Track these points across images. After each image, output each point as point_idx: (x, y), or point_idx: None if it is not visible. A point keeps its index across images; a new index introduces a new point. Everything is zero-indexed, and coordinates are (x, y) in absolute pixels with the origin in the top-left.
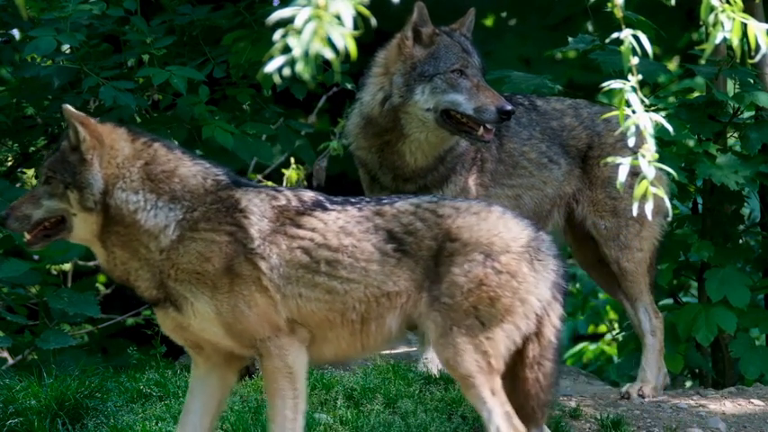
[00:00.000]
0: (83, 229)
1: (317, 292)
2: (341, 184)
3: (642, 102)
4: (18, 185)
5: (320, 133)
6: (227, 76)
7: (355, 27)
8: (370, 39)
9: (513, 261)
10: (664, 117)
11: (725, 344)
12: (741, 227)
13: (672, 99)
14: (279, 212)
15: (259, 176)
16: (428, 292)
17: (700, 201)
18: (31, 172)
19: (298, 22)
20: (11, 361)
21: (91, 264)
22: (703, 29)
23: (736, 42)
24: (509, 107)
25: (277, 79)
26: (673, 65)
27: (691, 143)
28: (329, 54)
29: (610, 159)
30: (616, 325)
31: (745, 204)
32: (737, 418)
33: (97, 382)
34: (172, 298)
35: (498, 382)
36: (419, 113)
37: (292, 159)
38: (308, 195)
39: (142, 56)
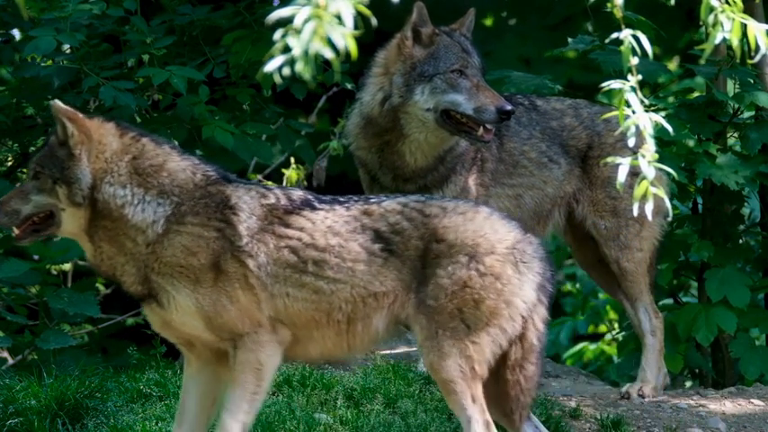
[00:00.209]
0: (71, 223)
1: (304, 292)
2: (341, 184)
3: (642, 102)
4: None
5: (320, 133)
6: (227, 76)
7: (355, 27)
8: (370, 39)
9: (497, 263)
10: (664, 117)
11: (725, 344)
12: (741, 227)
13: (672, 99)
14: (268, 211)
15: (259, 176)
16: (415, 294)
17: (700, 201)
18: None
19: (297, 22)
20: (11, 361)
21: None
22: (703, 29)
23: (735, 43)
24: (509, 107)
25: (277, 79)
26: (673, 65)
27: (691, 143)
28: (329, 54)
29: (610, 159)
30: (616, 325)
31: (745, 204)
32: (737, 418)
33: (97, 382)
34: (153, 292)
35: (480, 389)
36: (419, 113)
37: (292, 159)
38: (298, 194)
39: (142, 56)
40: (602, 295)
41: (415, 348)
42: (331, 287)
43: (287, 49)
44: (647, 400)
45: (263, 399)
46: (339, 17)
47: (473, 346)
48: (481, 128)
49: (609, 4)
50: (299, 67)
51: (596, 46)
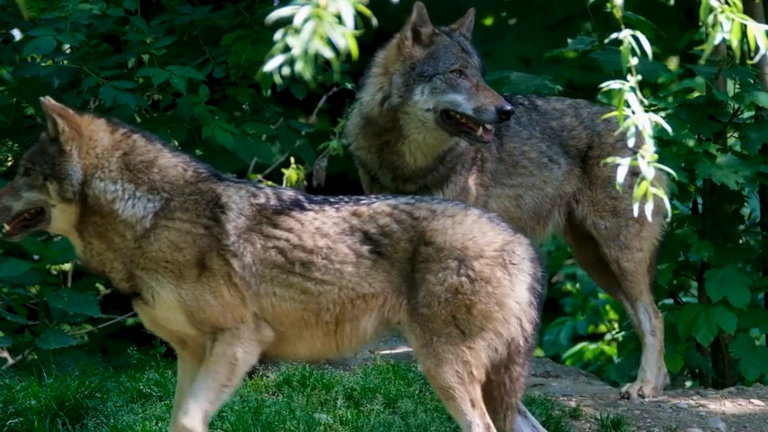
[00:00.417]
0: (61, 219)
1: (292, 292)
2: (341, 184)
3: (641, 102)
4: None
5: (320, 133)
6: (227, 76)
7: (355, 27)
8: (371, 39)
9: (486, 267)
10: (664, 117)
11: (725, 344)
12: (741, 227)
13: (672, 99)
14: (257, 210)
15: (259, 176)
16: (407, 300)
17: (700, 201)
18: None
19: (297, 22)
20: (11, 361)
21: None
22: (703, 29)
23: (735, 43)
24: (508, 107)
25: (277, 79)
26: (673, 65)
27: (691, 143)
28: (329, 53)
29: (609, 160)
30: (616, 325)
31: (745, 204)
32: (737, 418)
33: (97, 382)
34: (138, 288)
35: (478, 393)
36: (418, 114)
37: (292, 159)
38: (288, 194)
39: (142, 56)
40: (602, 295)
41: None
42: (319, 288)
43: (287, 49)
44: (647, 400)
45: (230, 393)
46: (339, 17)
47: (469, 351)
48: (480, 128)
49: (608, 5)
50: (299, 66)
51: (596, 46)
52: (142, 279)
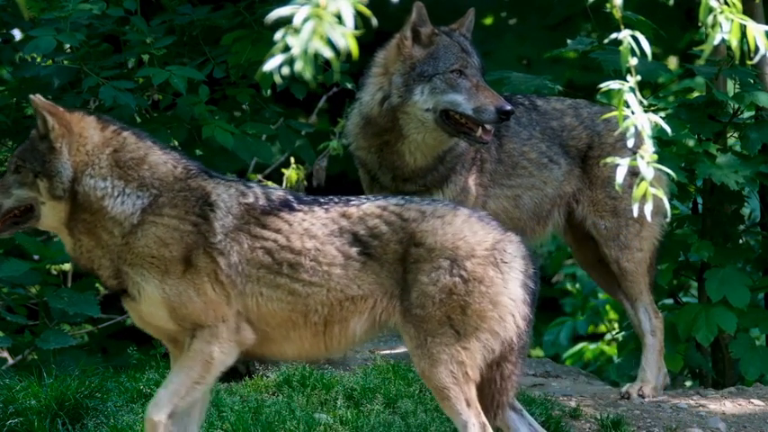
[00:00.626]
0: (51, 217)
1: (279, 293)
2: (341, 184)
3: (640, 103)
4: None
5: (320, 133)
6: (226, 76)
7: (355, 27)
8: (371, 39)
9: (478, 267)
10: (664, 117)
11: (725, 344)
12: (741, 227)
13: (672, 99)
14: (245, 210)
15: (259, 176)
16: (400, 301)
17: (700, 201)
18: None
19: (296, 21)
20: (11, 361)
21: None
22: (703, 29)
23: (734, 43)
24: (508, 107)
25: (277, 78)
26: (673, 65)
27: (691, 143)
28: (328, 53)
29: (609, 160)
30: (616, 325)
31: (745, 204)
32: (737, 418)
33: (97, 382)
34: (125, 285)
35: (474, 393)
36: (418, 114)
37: (292, 159)
38: (277, 194)
39: (142, 56)
40: (602, 295)
41: None
42: (306, 290)
43: (287, 49)
44: (647, 400)
45: (202, 391)
46: (339, 17)
47: (464, 351)
48: (480, 129)
49: (608, 5)
50: (299, 66)
51: (596, 47)
52: (128, 274)
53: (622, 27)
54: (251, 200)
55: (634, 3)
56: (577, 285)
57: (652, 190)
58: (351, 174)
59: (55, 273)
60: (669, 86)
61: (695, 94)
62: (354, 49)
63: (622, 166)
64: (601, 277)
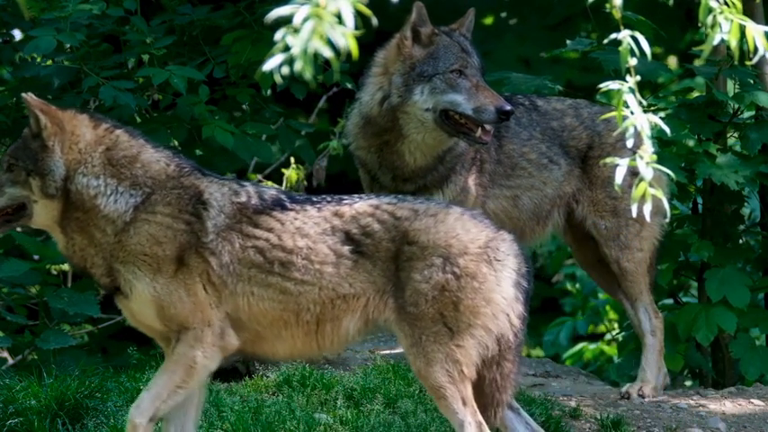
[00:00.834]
0: (43, 215)
1: (271, 292)
2: (341, 183)
3: (640, 103)
4: None
5: (320, 133)
6: (226, 76)
7: (355, 27)
8: (371, 39)
9: (471, 263)
10: (664, 117)
11: (725, 344)
12: (741, 227)
13: (672, 99)
14: (237, 209)
15: (259, 176)
16: (394, 299)
17: (700, 201)
18: None
19: (296, 21)
20: (11, 361)
21: None
22: (702, 29)
23: (734, 44)
24: (508, 107)
25: (277, 78)
26: (673, 65)
27: (691, 143)
28: (328, 53)
29: (609, 160)
30: (616, 325)
31: (745, 204)
32: (737, 418)
33: (97, 382)
34: (117, 283)
35: (469, 391)
36: (418, 114)
37: (292, 159)
38: (270, 193)
39: (142, 56)
40: (602, 295)
41: None
42: (298, 288)
43: (287, 49)
44: (647, 400)
45: (185, 395)
46: (339, 16)
47: (459, 349)
48: (479, 129)
49: (608, 5)
50: (299, 66)
51: (595, 47)
52: (120, 272)
53: (622, 27)
54: (243, 199)
55: (634, 3)
56: (577, 285)
57: (651, 190)
58: (351, 174)
59: (55, 273)
60: (669, 86)
61: (695, 94)
62: (354, 49)
63: (622, 166)
64: (601, 277)
